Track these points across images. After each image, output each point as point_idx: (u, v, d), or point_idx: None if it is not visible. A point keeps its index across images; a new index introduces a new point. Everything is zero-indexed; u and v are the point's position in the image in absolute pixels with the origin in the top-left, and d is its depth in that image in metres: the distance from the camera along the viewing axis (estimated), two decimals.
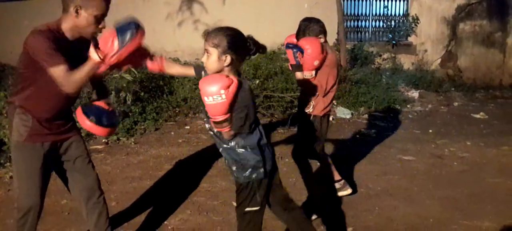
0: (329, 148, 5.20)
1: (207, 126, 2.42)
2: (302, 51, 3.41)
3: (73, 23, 2.36)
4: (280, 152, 4.88)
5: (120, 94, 6.07)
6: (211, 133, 2.41)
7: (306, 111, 3.58)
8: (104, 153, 5.05)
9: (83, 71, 2.29)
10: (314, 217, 3.56)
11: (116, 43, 2.26)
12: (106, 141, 5.35)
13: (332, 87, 3.57)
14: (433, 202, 3.95)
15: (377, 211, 3.77)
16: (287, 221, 2.70)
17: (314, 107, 3.56)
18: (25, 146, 2.49)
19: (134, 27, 2.29)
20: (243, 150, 2.35)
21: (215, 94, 2.10)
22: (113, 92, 6.00)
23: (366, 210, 3.79)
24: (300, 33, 3.50)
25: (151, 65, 2.60)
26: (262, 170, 2.39)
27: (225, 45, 2.23)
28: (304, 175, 3.75)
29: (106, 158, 4.90)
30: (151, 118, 6.07)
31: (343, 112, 6.95)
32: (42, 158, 2.52)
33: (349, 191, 3.93)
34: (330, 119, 6.57)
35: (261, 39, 2.47)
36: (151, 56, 2.60)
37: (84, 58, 2.41)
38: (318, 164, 3.98)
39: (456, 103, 8.28)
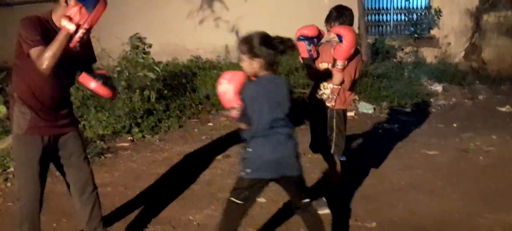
0: (351, 143, 5.20)
1: None
2: (314, 44, 3.46)
3: (63, 13, 2.44)
4: (302, 148, 4.87)
5: (144, 92, 6.18)
6: None
7: (328, 105, 3.47)
8: (130, 150, 5.15)
9: (54, 45, 2.35)
10: (326, 210, 3.53)
11: (84, 10, 2.35)
12: (131, 138, 5.46)
13: (359, 78, 3.52)
14: (458, 196, 3.93)
15: (401, 206, 3.76)
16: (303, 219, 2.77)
17: (336, 100, 3.46)
18: (25, 138, 2.59)
19: None
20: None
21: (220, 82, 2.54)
22: (137, 90, 6.11)
23: (390, 204, 3.79)
24: (331, 20, 3.43)
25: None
26: (247, 170, 2.51)
27: (252, 51, 2.47)
28: (330, 169, 3.65)
29: (132, 155, 5.00)
30: (175, 115, 6.16)
31: (365, 107, 6.93)
32: (41, 150, 2.61)
33: (327, 211, 3.56)
34: (353, 113, 6.57)
35: (281, 35, 2.56)
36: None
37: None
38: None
39: (480, 97, 8.15)
